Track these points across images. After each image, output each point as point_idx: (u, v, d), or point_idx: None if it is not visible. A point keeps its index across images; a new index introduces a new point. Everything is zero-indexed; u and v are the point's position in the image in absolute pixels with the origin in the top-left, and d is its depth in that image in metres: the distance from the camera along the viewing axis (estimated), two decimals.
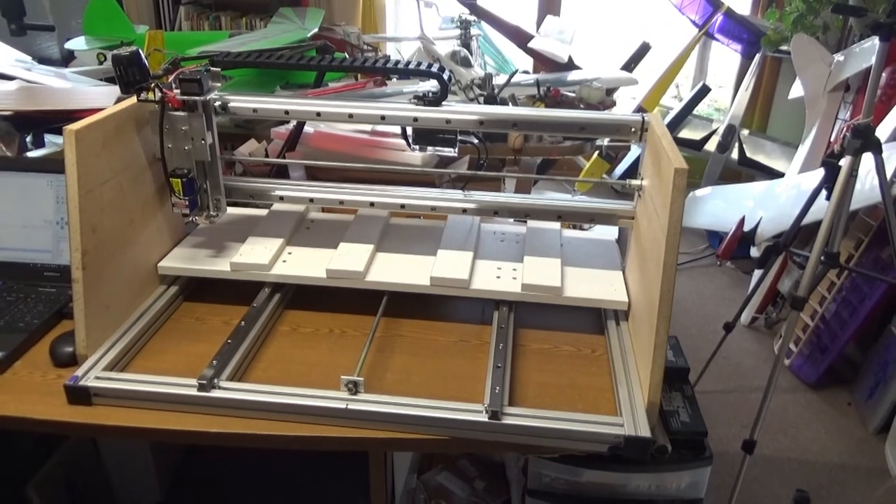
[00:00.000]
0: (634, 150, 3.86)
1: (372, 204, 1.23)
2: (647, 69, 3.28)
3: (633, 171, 3.82)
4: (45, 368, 1.07)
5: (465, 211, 1.22)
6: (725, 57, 4.08)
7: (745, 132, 3.70)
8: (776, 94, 3.84)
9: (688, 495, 1.14)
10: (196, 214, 1.20)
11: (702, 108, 3.96)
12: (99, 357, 1.04)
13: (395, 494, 1.31)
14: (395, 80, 2.14)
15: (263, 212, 1.40)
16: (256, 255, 1.22)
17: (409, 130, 1.20)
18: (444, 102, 1.13)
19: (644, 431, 0.93)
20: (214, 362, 1.01)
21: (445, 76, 1.13)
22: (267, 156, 1.70)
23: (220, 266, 1.22)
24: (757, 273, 2.80)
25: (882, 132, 2.25)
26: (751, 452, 1.66)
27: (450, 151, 1.20)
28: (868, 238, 2.21)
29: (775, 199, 2.71)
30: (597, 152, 2.91)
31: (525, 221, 1.35)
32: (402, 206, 1.22)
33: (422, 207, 1.23)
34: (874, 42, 2.56)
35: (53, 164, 1.28)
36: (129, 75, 1.31)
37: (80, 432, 0.98)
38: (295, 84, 2.12)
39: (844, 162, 1.49)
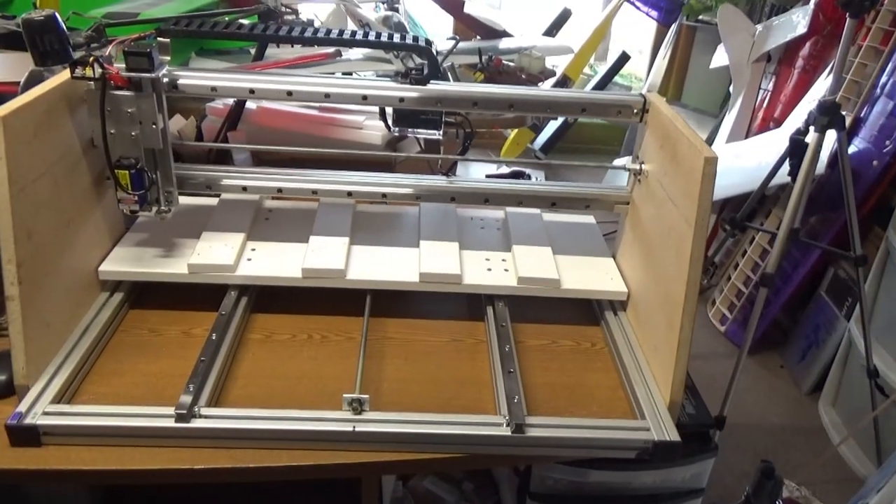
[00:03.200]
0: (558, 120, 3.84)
1: (349, 194, 1.10)
2: (565, 35, 3.24)
3: (556, 139, 3.82)
4: None
5: (453, 199, 1.12)
6: (636, 25, 4.14)
7: None
8: (690, 63, 3.93)
9: (691, 486, 1.12)
10: (145, 210, 1.03)
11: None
12: (43, 386, 0.87)
13: None
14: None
15: (211, 201, 1.24)
16: (217, 253, 1.07)
17: (389, 111, 1.08)
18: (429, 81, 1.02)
19: (673, 435, 0.88)
20: (191, 387, 0.87)
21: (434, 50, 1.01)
22: (201, 134, 1.52)
23: (174, 268, 1.06)
24: None
25: (809, 102, 2.32)
26: (721, 428, 1.68)
27: (434, 134, 1.09)
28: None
29: None
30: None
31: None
32: (384, 195, 1.11)
33: (405, 196, 1.12)
34: (791, 17, 2.63)
35: None
36: (44, 44, 1.11)
37: (29, 480, 0.82)
38: (211, 50, 1.92)
39: (811, 138, 1.50)
